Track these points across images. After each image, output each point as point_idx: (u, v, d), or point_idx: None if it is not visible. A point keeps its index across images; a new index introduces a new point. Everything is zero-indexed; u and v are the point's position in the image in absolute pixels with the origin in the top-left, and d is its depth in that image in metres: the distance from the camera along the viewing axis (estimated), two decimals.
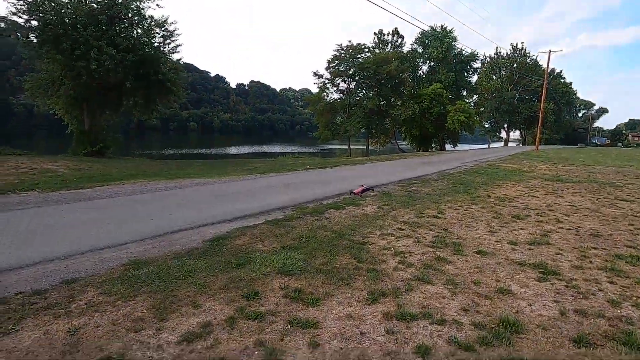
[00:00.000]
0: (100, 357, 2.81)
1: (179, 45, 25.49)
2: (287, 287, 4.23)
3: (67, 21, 20.87)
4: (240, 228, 6.61)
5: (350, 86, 44.92)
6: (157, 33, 24.23)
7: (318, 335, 3.24)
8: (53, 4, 20.58)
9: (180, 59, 27.38)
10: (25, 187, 10.40)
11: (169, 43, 24.94)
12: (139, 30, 23.83)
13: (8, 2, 20.25)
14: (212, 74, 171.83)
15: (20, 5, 20.01)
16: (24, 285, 4.09)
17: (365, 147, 50.78)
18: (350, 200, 9.56)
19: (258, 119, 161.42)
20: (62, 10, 20.93)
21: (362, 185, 10.73)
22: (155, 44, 24.22)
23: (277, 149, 73.78)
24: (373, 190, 10.89)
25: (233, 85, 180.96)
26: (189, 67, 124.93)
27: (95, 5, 22.13)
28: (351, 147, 50.89)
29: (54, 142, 47.17)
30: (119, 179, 12.74)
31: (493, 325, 3.49)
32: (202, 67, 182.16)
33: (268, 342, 3.07)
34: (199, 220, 7.10)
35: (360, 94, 45.64)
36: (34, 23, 20.69)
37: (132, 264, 4.75)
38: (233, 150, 66.48)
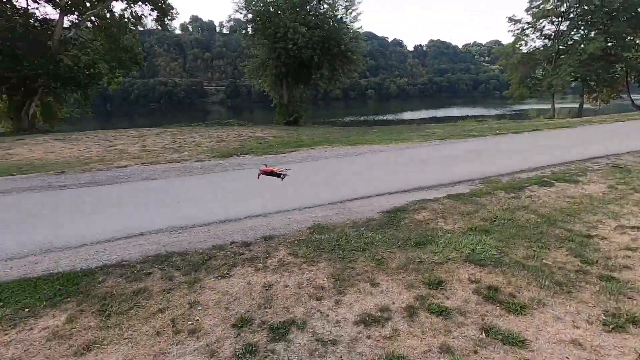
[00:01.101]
0: (287, 319, 2.96)
1: (360, 13, 25.85)
2: (479, 281, 3.48)
3: (271, 9, 24.33)
4: (419, 201, 6.07)
5: (561, 28, 35.16)
6: (340, 5, 25.24)
7: None
8: None
9: (360, 27, 27.87)
10: (244, 151, 12.98)
11: (351, 12, 25.63)
12: (325, 5, 25.41)
13: (232, 2, 25.22)
14: (390, 39, 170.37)
15: (239, 3, 24.57)
16: (237, 236, 4.91)
17: (577, 106, 39.66)
18: (562, 175, 7.41)
19: (436, 81, 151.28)
20: (268, 1, 24.44)
21: None
22: (339, 17, 25.38)
23: (455, 112, 67.37)
24: None
25: (410, 47, 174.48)
26: (368, 36, 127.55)
27: None
28: (555, 105, 40.77)
29: (265, 114, 58.18)
30: (308, 145, 14.26)
31: None
32: (380, 34, 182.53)
33: (457, 352, 2.52)
34: (375, 189, 6.97)
35: (575, 37, 35.24)
36: (249, 16, 25.11)
37: (316, 228, 5.01)
38: (406, 115, 64.96)
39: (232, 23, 28.62)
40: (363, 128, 30.17)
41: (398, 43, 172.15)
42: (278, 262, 4.05)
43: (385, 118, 59.62)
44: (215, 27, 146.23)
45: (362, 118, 61.17)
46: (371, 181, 7.69)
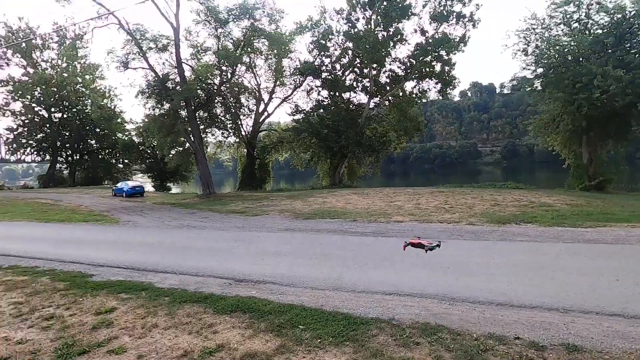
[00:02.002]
0: None
1: None
2: None
3: (570, 58, 20.96)
4: None
5: None
6: None
7: None
8: (557, 47, 21.44)
9: None
10: (525, 218, 11.08)
11: None
12: None
13: (519, 60, 23.75)
14: None
15: (529, 59, 22.75)
16: (523, 330, 3.89)
17: None
18: None
19: None
20: (565, 50, 21.28)
21: None
22: None
23: None
24: None
25: None
26: None
27: (600, 31, 20.63)
28: None
29: (551, 176, 49.20)
30: (625, 220, 10.35)
31: None
32: None
33: None
34: None
35: None
36: (539, 71, 22.71)
37: None
38: None
39: (514, 82, 26.97)
40: None
41: None
42: None
43: None
44: (494, 89, 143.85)
45: None
46: None
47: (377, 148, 30.21)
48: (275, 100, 36.57)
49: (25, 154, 50.53)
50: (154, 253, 8.69)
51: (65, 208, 20.21)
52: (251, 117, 35.72)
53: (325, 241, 9.29)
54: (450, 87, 30.70)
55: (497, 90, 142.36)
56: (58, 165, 50.20)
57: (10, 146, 48.51)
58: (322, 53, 31.24)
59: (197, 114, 26.85)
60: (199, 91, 25.52)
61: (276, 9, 28.56)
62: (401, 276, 5.93)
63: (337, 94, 31.65)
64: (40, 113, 46.42)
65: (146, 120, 30.69)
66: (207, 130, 31.20)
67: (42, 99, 44.52)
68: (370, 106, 31.63)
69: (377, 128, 32.08)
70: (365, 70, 30.83)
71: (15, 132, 46.49)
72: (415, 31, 29.34)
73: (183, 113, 25.69)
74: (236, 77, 30.26)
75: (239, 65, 28.68)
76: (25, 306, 5.05)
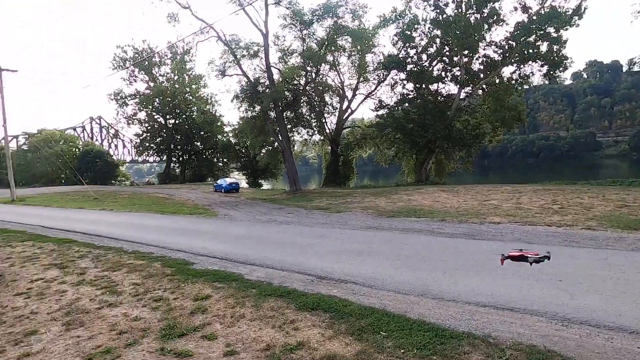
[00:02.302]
0: None
1: None
2: None
3: None
4: None
5: None
6: None
7: None
8: None
9: None
10: None
11: None
12: None
13: None
14: None
15: None
16: None
17: None
18: None
19: None
20: None
21: None
22: None
23: None
24: None
25: None
26: None
27: None
28: None
29: None
30: None
31: None
32: None
33: None
34: None
35: None
36: None
37: None
38: None
39: None
40: None
41: None
42: None
43: None
44: (620, 67, 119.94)
45: None
46: None
47: (468, 142, 27.75)
48: (358, 97, 36.43)
49: (149, 155, 60.28)
50: (244, 245, 9.34)
51: (176, 202, 23.24)
52: (335, 115, 36.21)
53: (410, 241, 8.81)
54: (560, 69, 26.45)
55: (624, 69, 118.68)
56: (172, 165, 58.39)
57: (137, 149, 58.66)
58: (407, 44, 29.89)
59: (284, 114, 28.27)
60: (286, 92, 26.81)
61: (359, 4, 28.26)
62: (498, 286, 5.24)
63: (423, 86, 29.97)
64: (159, 120, 54.49)
65: (240, 122, 33.45)
66: (293, 129, 32.66)
67: (160, 108, 52.38)
68: (461, 96, 29.18)
69: (468, 120, 29.47)
70: (455, 59, 28.52)
71: (140, 137, 55.66)
72: (515, 9, 25.94)
73: (272, 114, 27.29)
74: (320, 76, 30.91)
75: (322, 64, 29.23)
76: (141, 287, 5.84)
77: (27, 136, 60.20)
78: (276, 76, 26.97)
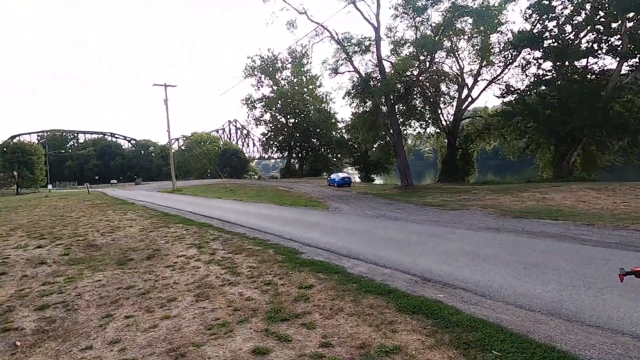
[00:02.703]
0: None
1: None
2: None
3: None
4: None
5: None
6: None
7: None
8: None
9: None
10: None
11: None
12: None
13: None
14: None
15: None
16: None
17: None
18: None
19: None
20: None
21: None
22: None
23: None
24: None
25: None
26: None
27: None
28: None
29: None
30: None
31: None
32: None
33: None
34: None
35: None
36: None
37: None
38: None
39: None
40: None
41: None
42: None
43: None
44: None
45: None
46: None
47: (632, 128, 21.91)
48: (480, 84, 32.74)
49: (273, 152, 67.33)
50: (350, 239, 9.43)
51: (294, 194, 25.15)
52: (452, 105, 33.49)
53: (540, 247, 7.45)
54: None
55: None
56: (292, 160, 63.75)
57: (263, 147, 66.25)
58: (545, 16, 25.31)
59: (396, 108, 27.51)
60: (397, 85, 25.99)
61: None
62: None
63: (566, 63, 24.94)
64: (281, 120, 60.21)
65: (352, 118, 34.01)
66: (405, 122, 31.50)
67: (282, 109, 57.86)
68: (622, 72, 23.23)
69: (633, 100, 23.26)
70: (614, 25, 22.80)
71: (266, 136, 62.64)
72: None
73: (383, 108, 26.86)
74: (435, 64, 28.91)
75: (438, 51, 27.25)
76: (256, 270, 6.47)
77: (185, 138, 74.35)
78: (388, 69, 26.41)
